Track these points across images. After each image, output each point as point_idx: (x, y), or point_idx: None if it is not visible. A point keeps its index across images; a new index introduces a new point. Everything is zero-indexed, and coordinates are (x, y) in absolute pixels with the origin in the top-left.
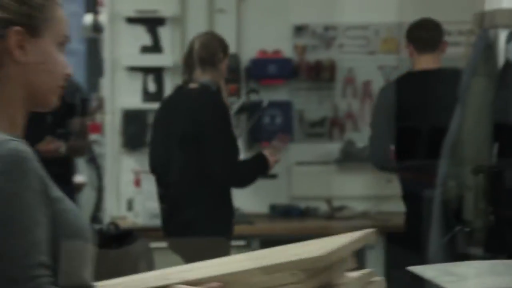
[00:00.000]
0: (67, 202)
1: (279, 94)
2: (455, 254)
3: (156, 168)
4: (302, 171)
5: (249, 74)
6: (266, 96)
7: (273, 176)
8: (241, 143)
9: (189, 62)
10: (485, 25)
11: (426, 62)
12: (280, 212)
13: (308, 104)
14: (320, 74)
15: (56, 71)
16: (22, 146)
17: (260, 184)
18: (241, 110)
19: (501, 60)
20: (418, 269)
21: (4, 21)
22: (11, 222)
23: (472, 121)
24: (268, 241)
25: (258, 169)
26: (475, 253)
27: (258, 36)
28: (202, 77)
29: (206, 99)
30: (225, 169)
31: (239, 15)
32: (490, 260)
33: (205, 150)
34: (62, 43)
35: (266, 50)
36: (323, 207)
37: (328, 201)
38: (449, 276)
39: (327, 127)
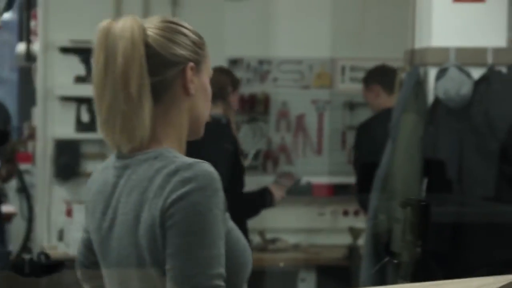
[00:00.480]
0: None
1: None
2: (383, 285)
3: None
4: None
5: None
6: None
7: None
8: None
9: None
10: (416, 62)
11: (392, 101)
12: None
13: (242, 136)
14: (255, 107)
15: (207, 102)
16: (211, 168)
17: None
18: None
19: (430, 97)
20: None
21: (183, 58)
22: (202, 233)
23: (402, 156)
24: None
25: (262, 203)
26: (402, 285)
27: None
28: (212, 110)
29: (218, 132)
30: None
31: None
32: None
33: None
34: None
35: None
36: (256, 239)
37: (261, 233)
38: None
39: (260, 160)
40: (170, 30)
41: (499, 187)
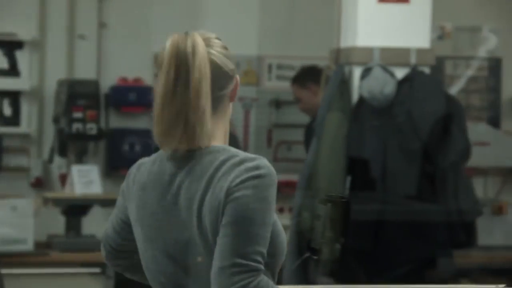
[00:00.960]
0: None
1: (139, 122)
2: (305, 281)
3: None
4: None
5: (109, 101)
6: (126, 123)
7: None
8: (99, 170)
9: None
10: (341, 61)
11: None
12: None
13: None
14: None
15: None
16: (269, 163)
17: (111, 211)
18: (99, 136)
19: (355, 96)
20: None
21: (234, 71)
22: (257, 214)
23: (327, 154)
24: None
25: None
26: (322, 281)
27: (118, 63)
28: None
29: None
30: None
31: (100, 41)
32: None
33: None
34: None
35: (127, 77)
36: None
37: None
38: None
39: None
40: (220, 46)
41: (421, 186)
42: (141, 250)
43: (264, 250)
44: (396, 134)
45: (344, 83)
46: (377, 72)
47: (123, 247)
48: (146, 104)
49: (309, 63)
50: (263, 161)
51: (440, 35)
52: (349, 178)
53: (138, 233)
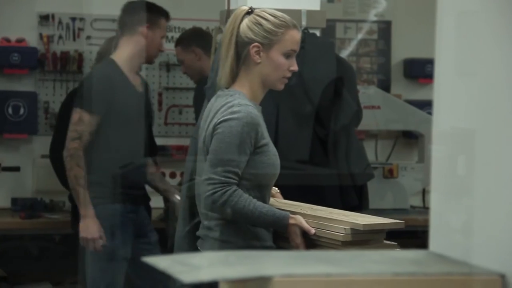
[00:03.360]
0: (271, 148)
1: (24, 84)
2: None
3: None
4: (47, 164)
5: None
6: (9, 86)
7: (16, 169)
8: None
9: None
10: None
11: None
12: (22, 206)
13: (54, 95)
14: (67, 65)
15: (277, 70)
16: (253, 110)
17: (1, 177)
18: None
19: None
20: (153, 260)
21: (251, 40)
22: (234, 144)
23: None
24: (8, 237)
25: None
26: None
27: (0, 24)
28: None
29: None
30: None
31: None
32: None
33: None
34: (289, 53)
35: (9, 38)
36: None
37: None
38: (181, 266)
39: None
40: (250, 22)
41: (312, 150)
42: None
43: (237, 170)
44: (288, 97)
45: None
46: None
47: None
48: (31, 66)
49: (200, 25)
50: (246, 108)
51: None
52: None
53: None
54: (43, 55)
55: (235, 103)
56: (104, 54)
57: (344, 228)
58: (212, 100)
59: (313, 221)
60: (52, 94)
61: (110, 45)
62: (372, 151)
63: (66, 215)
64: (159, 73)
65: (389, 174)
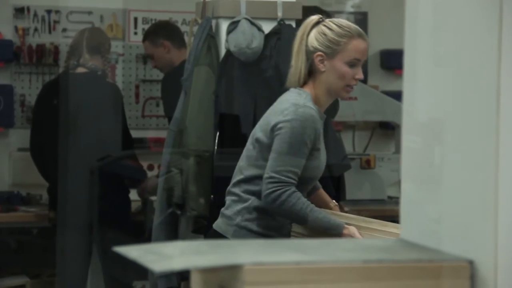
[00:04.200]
0: (322, 155)
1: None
2: (174, 237)
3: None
4: (24, 157)
5: None
6: None
7: None
8: None
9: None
10: (207, 15)
11: (183, 55)
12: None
13: (30, 88)
14: (43, 58)
15: (341, 78)
16: (309, 110)
17: None
18: None
19: (223, 50)
20: (124, 250)
21: (316, 49)
22: (296, 145)
23: (195, 109)
24: None
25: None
26: (191, 237)
27: None
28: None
29: (96, 81)
30: None
31: None
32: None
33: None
34: (353, 62)
35: None
36: (46, 194)
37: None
38: (152, 256)
39: None
40: (316, 32)
41: None
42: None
43: (296, 171)
44: (265, 88)
45: (211, 37)
46: (244, 25)
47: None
48: (6, 59)
49: (176, 17)
50: (306, 110)
51: None
52: (217, 134)
53: None
54: (19, 48)
55: (301, 104)
56: (77, 47)
57: None
58: (283, 95)
59: (366, 233)
60: (28, 87)
61: (82, 38)
62: (350, 142)
63: (43, 208)
64: (136, 65)
65: (367, 165)
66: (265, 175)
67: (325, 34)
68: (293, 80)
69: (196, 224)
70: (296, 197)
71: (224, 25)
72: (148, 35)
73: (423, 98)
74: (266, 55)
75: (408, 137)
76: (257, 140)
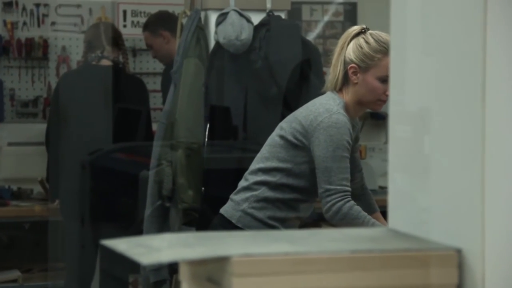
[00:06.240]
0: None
1: None
2: (166, 229)
3: None
4: (14, 151)
5: None
6: None
7: None
8: None
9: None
10: (196, 6)
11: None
12: None
13: (19, 82)
14: (32, 52)
15: (371, 93)
16: (343, 117)
17: None
18: None
19: (212, 42)
20: (111, 243)
21: (351, 61)
22: (339, 152)
23: (185, 102)
24: None
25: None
26: (182, 229)
27: None
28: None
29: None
30: None
31: None
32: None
33: None
34: (385, 79)
35: None
36: (37, 188)
37: (42, 182)
38: (140, 248)
39: (41, 106)
40: (354, 43)
41: None
42: None
43: (347, 176)
44: (254, 80)
45: (200, 29)
46: (233, 17)
47: None
48: None
49: (165, 9)
50: (337, 116)
51: None
52: (207, 126)
53: None
54: (8, 42)
55: (334, 110)
56: (96, 40)
57: None
58: (319, 98)
59: None
60: (17, 81)
61: (99, 31)
62: None
63: (34, 203)
64: None
65: None
66: (320, 190)
67: (361, 47)
68: (329, 85)
69: (187, 216)
70: (356, 210)
71: (213, 17)
72: (148, 25)
73: (410, 88)
74: (256, 46)
75: (396, 127)
76: (282, 137)
